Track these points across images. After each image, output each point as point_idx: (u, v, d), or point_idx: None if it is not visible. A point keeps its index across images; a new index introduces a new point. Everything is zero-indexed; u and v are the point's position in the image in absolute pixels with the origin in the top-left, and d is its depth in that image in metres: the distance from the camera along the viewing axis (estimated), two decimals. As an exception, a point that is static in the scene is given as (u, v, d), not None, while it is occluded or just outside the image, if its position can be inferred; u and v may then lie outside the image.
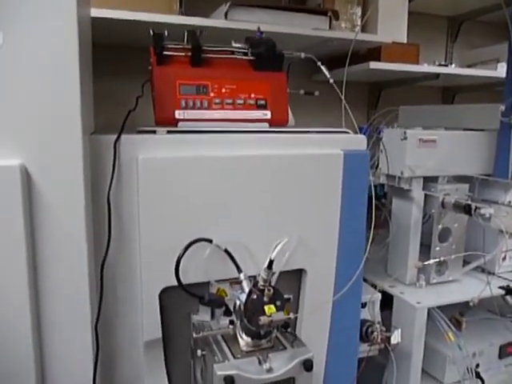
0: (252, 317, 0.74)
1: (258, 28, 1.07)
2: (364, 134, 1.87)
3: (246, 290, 0.80)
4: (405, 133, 1.13)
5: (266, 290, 0.74)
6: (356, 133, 1.01)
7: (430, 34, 2.20)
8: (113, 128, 0.82)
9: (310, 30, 1.50)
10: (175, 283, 0.82)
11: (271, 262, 0.77)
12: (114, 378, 0.86)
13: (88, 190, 0.74)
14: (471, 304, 1.05)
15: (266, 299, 0.74)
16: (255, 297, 0.75)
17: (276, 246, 0.83)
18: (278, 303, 0.75)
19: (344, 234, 0.98)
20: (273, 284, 0.84)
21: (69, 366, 0.74)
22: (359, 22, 1.75)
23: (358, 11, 1.76)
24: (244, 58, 1.00)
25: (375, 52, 1.75)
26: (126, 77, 1.46)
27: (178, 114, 0.92)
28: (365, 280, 1.28)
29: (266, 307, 0.74)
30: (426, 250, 1.26)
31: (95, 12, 1.21)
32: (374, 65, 1.67)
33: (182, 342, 0.90)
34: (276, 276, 0.86)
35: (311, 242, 0.94)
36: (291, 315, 0.76)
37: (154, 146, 0.82)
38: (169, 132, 0.90)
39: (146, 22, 1.30)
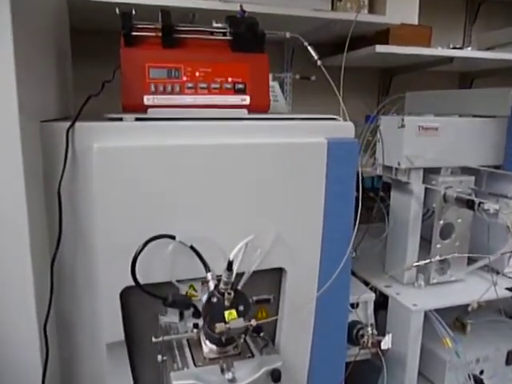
0: (211, 323, 0.67)
1: (241, 6, 0.99)
2: (371, 122, 1.78)
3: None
4: (402, 120, 1.04)
5: (227, 294, 0.67)
6: (346, 120, 0.93)
7: (447, 16, 2.06)
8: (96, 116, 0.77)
9: (310, 11, 1.41)
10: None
11: (230, 264, 0.70)
12: (75, 379, 0.81)
13: (35, 182, 0.69)
14: (469, 309, 0.95)
15: (227, 303, 0.67)
16: (215, 300, 0.68)
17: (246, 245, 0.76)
18: (241, 308, 0.68)
19: (329, 230, 0.89)
20: (244, 284, 0.77)
21: (16, 369, 0.69)
22: (367, 2, 1.65)
23: (366, -10, 1.65)
24: (222, 38, 0.92)
25: (383, 35, 1.64)
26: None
27: (147, 99, 0.86)
28: (360, 278, 1.20)
29: (226, 312, 0.67)
30: (428, 245, 1.16)
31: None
32: (380, 48, 1.56)
33: (150, 344, 0.84)
34: (246, 276, 0.79)
35: (291, 238, 0.86)
36: (252, 322, 0.69)
37: (114, 135, 0.75)
38: (137, 119, 0.83)
39: (135, 5, 1.23)
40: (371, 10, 1.65)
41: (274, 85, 1.28)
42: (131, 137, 0.76)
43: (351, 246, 0.88)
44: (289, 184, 0.85)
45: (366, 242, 1.21)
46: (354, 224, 0.89)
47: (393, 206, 1.17)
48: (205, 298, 0.71)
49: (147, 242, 0.73)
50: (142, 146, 0.75)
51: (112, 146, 0.73)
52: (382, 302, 1.16)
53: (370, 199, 1.20)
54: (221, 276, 0.76)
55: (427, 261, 1.04)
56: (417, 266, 1.04)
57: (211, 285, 0.74)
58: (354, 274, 1.23)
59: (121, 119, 0.83)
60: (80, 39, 1.30)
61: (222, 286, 0.69)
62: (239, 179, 0.81)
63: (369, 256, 1.27)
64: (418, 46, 1.64)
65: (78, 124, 0.73)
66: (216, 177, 0.80)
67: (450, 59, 1.69)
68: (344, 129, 0.90)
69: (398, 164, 1.07)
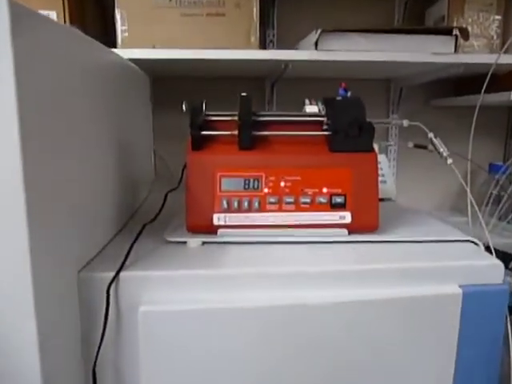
0: None
1: (342, 85, 0.76)
2: (497, 173, 1.43)
3: None
4: None
5: None
6: (489, 250, 0.65)
7: None
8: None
9: (429, 55, 1.15)
10: None
11: None
12: None
13: (67, 347, 0.53)
14: None
15: None
16: None
17: None
18: None
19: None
20: None
21: None
22: (496, 38, 1.34)
23: (497, 22, 1.33)
24: (315, 133, 0.70)
25: (518, 75, 1.31)
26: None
27: (218, 218, 0.67)
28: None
29: None
30: None
31: (158, 53, 1.08)
32: (516, 96, 1.24)
33: None
34: None
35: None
36: None
37: (167, 286, 0.57)
38: (204, 243, 0.66)
39: (216, 60, 1.10)
40: (504, 46, 1.33)
41: (380, 160, 1.03)
42: (189, 290, 0.57)
43: None
44: (399, 347, 0.60)
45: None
46: None
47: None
48: None
49: None
50: (202, 309, 0.55)
51: (162, 310, 0.55)
52: None
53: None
54: None
55: None
56: None
57: None
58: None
59: (184, 243, 0.66)
60: (159, 85, 1.19)
61: None
62: (330, 345, 0.59)
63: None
64: None
65: (122, 274, 0.56)
66: (295, 344, 0.58)
67: None
68: (487, 268, 0.63)
69: (560, 294, 0.76)
